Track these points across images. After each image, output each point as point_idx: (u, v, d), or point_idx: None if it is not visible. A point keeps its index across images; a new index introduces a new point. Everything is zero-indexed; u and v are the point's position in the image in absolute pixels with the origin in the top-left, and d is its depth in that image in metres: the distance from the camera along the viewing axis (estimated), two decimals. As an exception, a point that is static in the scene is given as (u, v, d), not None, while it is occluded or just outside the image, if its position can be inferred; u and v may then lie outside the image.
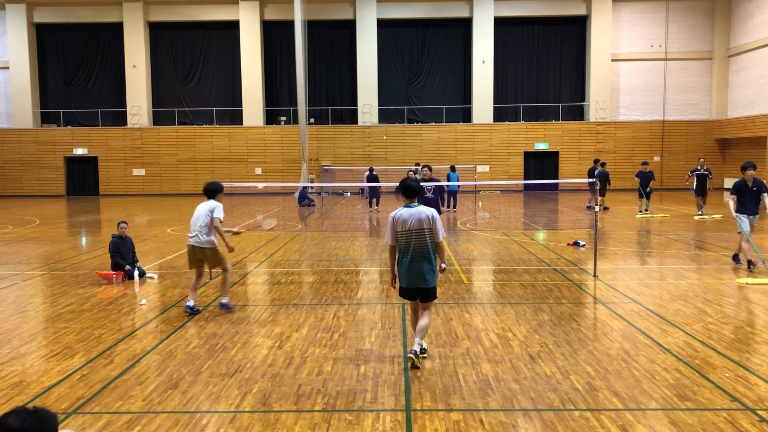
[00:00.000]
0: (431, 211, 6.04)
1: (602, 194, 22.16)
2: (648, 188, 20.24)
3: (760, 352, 6.41)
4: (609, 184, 23.12)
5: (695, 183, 19.68)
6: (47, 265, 12.22)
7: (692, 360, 6.18)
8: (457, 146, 34.45)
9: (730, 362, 6.12)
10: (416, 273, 6.04)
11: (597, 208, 10.87)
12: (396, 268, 6.26)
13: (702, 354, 6.37)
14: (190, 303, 8.17)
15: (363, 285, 10.13)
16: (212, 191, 8.28)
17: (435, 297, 6.25)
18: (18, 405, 5.22)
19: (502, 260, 12.30)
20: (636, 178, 20.90)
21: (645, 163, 21.21)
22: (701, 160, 20.65)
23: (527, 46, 35.18)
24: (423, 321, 6.18)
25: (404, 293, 6.26)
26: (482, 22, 34.07)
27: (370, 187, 22.70)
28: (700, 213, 19.26)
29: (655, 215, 19.64)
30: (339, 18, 34.76)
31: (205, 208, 8.16)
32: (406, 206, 6.12)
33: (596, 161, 24.13)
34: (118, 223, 10.72)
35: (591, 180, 14.92)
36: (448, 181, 21.17)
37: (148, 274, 10.71)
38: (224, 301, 8.30)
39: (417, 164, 29.65)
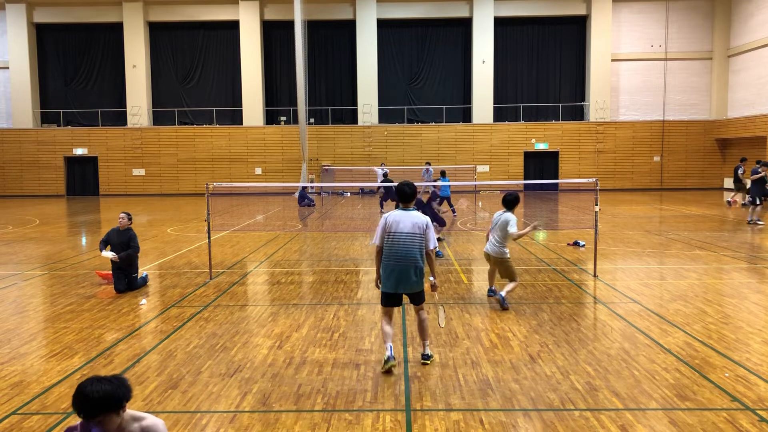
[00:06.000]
0: (426, 218, 5.97)
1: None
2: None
3: (760, 352, 6.41)
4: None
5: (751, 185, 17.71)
6: (47, 265, 12.22)
7: (692, 360, 6.18)
8: (457, 146, 34.45)
9: (730, 362, 6.12)
10: (404, 276, 5.89)
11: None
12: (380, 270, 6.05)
13: (702, 354, 6.37)
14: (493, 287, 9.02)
15: (363, 285, 10.13)
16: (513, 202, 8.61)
17: (424, 299, 6.14)
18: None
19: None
20: None
21: None
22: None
23: (527, 46, 35.17)
24: (423, 323, 6.18)
25: (386, 299, 6.02)
26: (482, 22, 34.06)
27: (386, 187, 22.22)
28: (751, 219, 17.59)
29: None
30: (339, 18, 34.75)
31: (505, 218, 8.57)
32: (401, 209, 6.05)
33: (743, 160, 22.57)
34: (121, 213, 9.90)
35: None
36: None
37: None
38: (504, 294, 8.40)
39: (428, 163, 29.66)
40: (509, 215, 8.52)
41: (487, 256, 8.78)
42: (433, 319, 7.38)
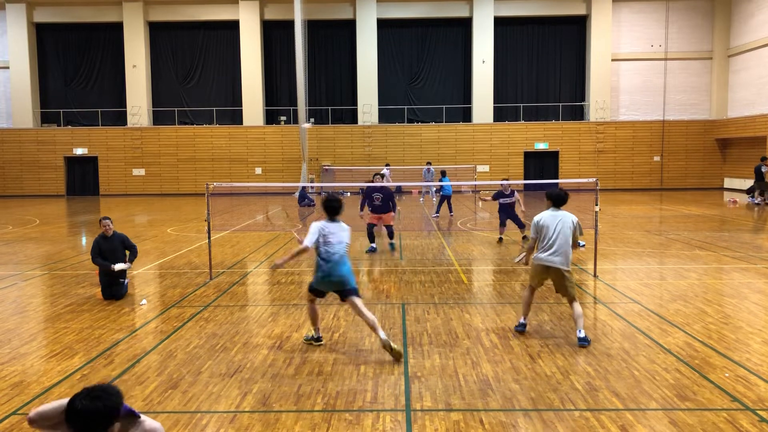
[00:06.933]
0: (348, 229, 6.75)
1: None
2: None
3: (760, 352, 6.41)
4: None
5: None
6: (47, 265, 12.22)
7: (692, 360, 6.19)
8: (457, 146, 34.44)
9: (730, 362, 6.12)
10: (340, 277, 6.49)
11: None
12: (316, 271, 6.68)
13: (702, 354, 6.37)
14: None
15: (363, 285, 10.12)
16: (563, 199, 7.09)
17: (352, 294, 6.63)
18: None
19: (502, 260, 12.30)
20: None
21: None
22: None
23: (527, 46, 35.16)
24: (370, 315, 6.50)
25: (318, 292, 6.73)
26: (482, 22, 34.06)
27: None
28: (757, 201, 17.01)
29: None
30: (339, 18, 34.74)
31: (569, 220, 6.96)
32: (331, 221, 6.64)
33: (764, 159, 23.15)
34: (100, 220, 9.35)
35: None
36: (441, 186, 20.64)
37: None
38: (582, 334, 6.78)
39: (428, 162, 29.63)
40: (572, 215, 7.00)
41: (546, 271, 6.93)
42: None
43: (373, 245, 13.39)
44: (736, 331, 7.19)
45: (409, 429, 4.76)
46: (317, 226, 6.56)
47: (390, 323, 7.67)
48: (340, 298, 6.70)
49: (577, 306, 6.85)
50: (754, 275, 10.45)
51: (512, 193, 14.13)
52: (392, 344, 6.25)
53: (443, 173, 21.47)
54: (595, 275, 10.37)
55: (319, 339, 6.88)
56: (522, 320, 7.24)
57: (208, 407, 5.20)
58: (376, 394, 5.42)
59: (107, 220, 9.33)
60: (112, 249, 9.24)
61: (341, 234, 6.60)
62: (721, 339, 6.88)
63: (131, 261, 9.35)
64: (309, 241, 6.44)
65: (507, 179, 14.69)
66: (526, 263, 7.39)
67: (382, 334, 6.29)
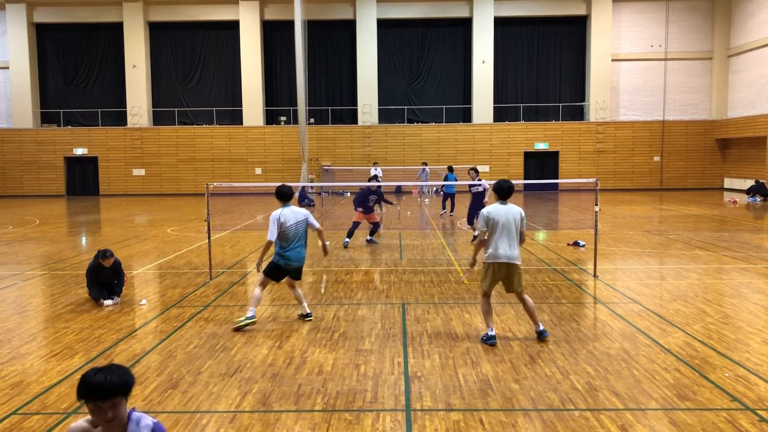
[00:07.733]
0: (306, 211, 7.69)
1: None
2: None
3: (760, 352, 6.41)
4: None
5: None
6: (47, 265, 12.22)
7: (692, 360, 6.19)
8: (457, 146, 34.45)
9: (730, 362, 6.12)
10: (299, 255, 7.51)
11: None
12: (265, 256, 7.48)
13: (702, 354, 6.37)
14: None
15: (363, 285, 10.13)
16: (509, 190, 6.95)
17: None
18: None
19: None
20: None
21: None
22: None
23: (527, 46, 35.17)
24: (300, 291, 7.84)
25: (279, 274, 7.53)
26: (482, 22, 34.07)
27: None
28: None
29: None
30: (339, 18, 34.75)
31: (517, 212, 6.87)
32: (286, 206, 7.49)
33: None
34: (105, 253, 8.76)
35: None
36: (445, 181, 20.55)
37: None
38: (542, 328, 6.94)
39: (424, 163, 29.64)
40: (519, 208, 6.93)
41: (499, 269, 6.84)
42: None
43: (348, 240, 14.19)
44: (736, 331, 7.19)
45: (409, 429, 4.76)
46: (274, 217, 7.33)
47: (390, 323, 7.68)
48: (294, 279, 7.69)
49: (529, 299, 6.96)
50: (754, 275, 10.45)
51: (480, 182, 14.14)
52: (308, 318, 7.74)
53: (450, 169, 21.25)
54: (595, 275, 10.37)
55: (250, 317, 7.38)
56: (490, 332, 6.78)
57: (208, 407, 5.20)
58: (376, 394, 5.42)
59: (112, 257, 8.81)
60: (106, 275, 8.90)
61: (295, 215, 7.43)
62: (721, 339, 6.88)
63: (119, 292, 8.96)
64: (271, 235, 7.27)
65: (474, 168, 14.83)
66: (473, 264, 7.32)
67: (307, 310, 7.81)
